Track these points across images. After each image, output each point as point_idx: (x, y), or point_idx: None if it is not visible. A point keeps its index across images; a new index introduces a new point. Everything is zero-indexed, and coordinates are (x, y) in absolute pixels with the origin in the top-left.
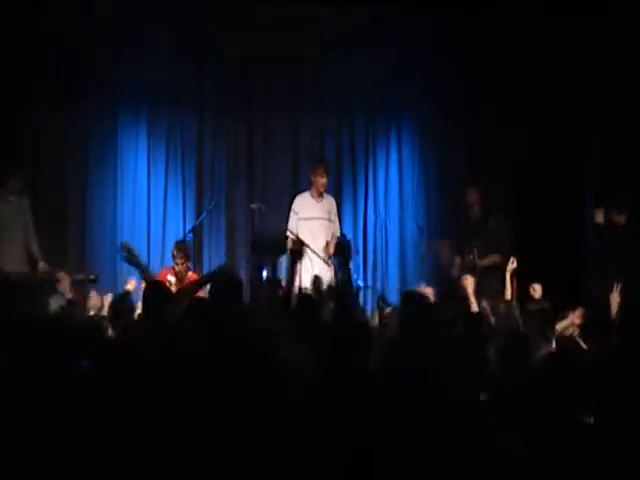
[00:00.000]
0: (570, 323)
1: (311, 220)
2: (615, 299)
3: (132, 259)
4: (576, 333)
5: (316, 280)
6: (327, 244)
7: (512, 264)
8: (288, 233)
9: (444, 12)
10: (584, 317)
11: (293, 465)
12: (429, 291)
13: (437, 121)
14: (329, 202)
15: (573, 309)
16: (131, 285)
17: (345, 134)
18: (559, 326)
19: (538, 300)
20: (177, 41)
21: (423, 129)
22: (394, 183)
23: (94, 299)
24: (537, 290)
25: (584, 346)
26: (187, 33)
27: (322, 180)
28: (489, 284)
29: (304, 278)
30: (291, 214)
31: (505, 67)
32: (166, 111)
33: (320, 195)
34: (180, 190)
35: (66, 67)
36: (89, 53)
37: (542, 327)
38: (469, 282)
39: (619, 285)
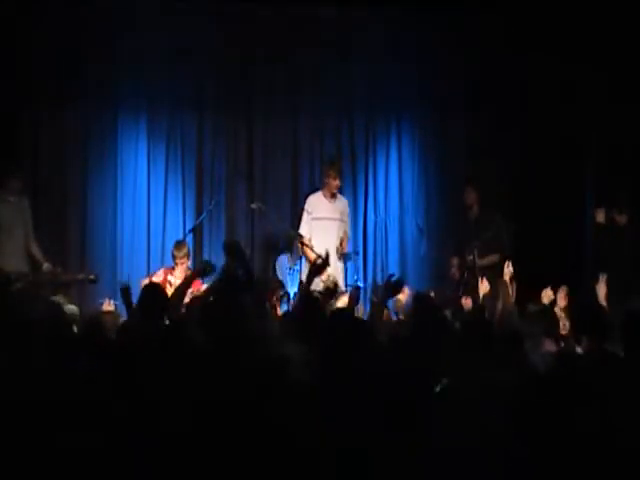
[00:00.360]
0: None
1: (323, 220)
2: (602, 290)
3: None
4: (564, 324)
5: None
6: (341, 242)
7: (507, 267)
8: (301, 233)
9: (444, 12)
10: (568, 297)
11: (292, 464)
12: (468, 302)
13: (437, 121)
14: (342, 203)
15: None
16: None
17: (345, 134)
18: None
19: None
20: (177, 41)
21: (423, 129)
22: (394, 183)
23: (107, 305)
24: (548, 295)
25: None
26: (187, 33)
27: (335, 182)
28: (489, 284)
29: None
30: (304, 214)
31: (505, 67)
32: (166, 111)
33: (333, 196)
34: (180, 190)
35: (66, 67)
36: (89, 53)
37: (544, 327)
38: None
39: (605, 275)
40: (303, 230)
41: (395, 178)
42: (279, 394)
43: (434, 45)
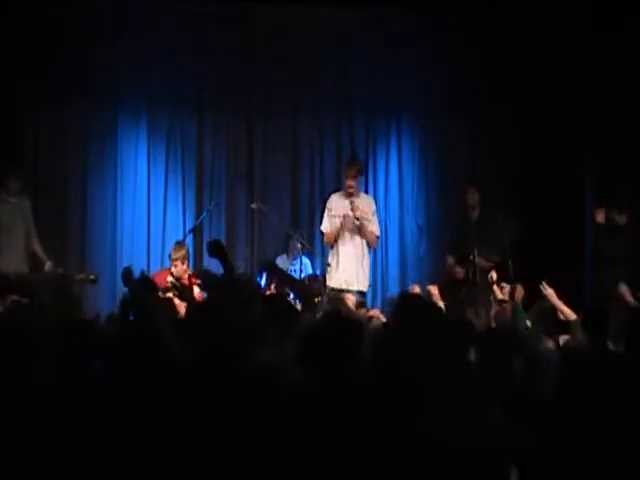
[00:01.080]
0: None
1: (340, 218)
2: (551, 294)
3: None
4: None
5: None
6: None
7: (491, 276)
8: (323, 229)
9: (444, 12)
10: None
11: (286, 466)
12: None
13: (437, 121)
14: (362, 202)
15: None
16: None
17: (345, 134)
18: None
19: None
20: (177, 41)
21: (423, 129)
22: (394, 183)
23: None
24: (506, 289)
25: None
26: (187, 33)
27: (347, 182)
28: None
29: (335, 277)
30: (325, 212)
31: (505, 67)
32: (166, 111)
33: (350, 195)
34: (180, 190)
35: (66, 67)
36: (89, 53)
37: (545, 325)
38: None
39: (544, 282)
40: (324, 226)
41: (395, 178)
42: (269, 396)
43: (434, 45)
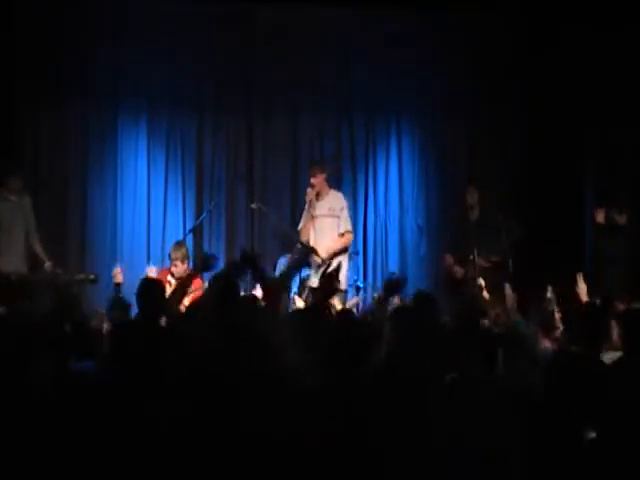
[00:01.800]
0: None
1: (316, 218)
2: (582, 289)
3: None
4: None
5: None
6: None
7: (479, 286)
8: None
9: (444, 12)
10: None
11: (299, 468)
12: None
13: (437, 121)
14: (332, 198)
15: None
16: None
17: (345, 134)
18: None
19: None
20: (177, 41)
21: (423, 129)
22: (394, 183)
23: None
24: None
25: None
26: (187, 33)
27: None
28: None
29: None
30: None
31: (505, 67)
32: (166, 111)
33: (318, 195)
34: (180, 190)
35: (66, 67)
36: (89, 53)
37: (543, 325)
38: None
39: (581, 274)
40: (300, 223)
41: (395, 178)
42: (286, 398)
43: (434, 45)
